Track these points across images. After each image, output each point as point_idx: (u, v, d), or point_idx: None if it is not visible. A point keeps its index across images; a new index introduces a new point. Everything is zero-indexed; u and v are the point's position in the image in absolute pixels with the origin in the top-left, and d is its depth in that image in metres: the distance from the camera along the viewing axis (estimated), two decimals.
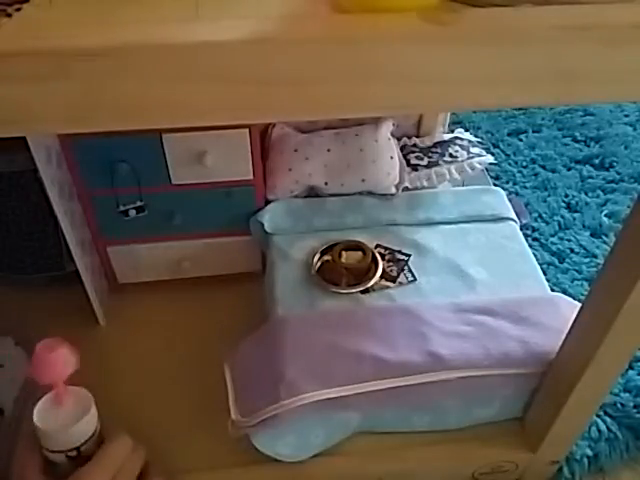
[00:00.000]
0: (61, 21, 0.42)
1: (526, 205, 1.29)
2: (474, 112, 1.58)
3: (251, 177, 0.96)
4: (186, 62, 0.39)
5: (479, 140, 1.18)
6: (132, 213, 0.95)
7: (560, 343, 0.76)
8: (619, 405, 0.94)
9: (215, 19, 0.41)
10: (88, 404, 0.72)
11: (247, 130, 0.89)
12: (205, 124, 0.42)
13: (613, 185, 1.37)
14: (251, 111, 0.42)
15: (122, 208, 0.95)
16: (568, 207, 1.32)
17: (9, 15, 0.43)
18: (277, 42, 0.39)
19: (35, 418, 0.69)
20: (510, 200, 1.08)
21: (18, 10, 0.43)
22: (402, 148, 1.11)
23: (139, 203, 0.95)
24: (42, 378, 0.68)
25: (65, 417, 0.70)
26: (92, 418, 0.73)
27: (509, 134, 1.54)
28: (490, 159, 1.11)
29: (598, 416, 0.93)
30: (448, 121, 1.20)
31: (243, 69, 0.40)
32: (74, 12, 0.44)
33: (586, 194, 1.35)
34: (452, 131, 1.19)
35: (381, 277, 0.91)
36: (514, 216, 1.04)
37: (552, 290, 0.95)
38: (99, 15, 0.43)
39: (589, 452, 0.90)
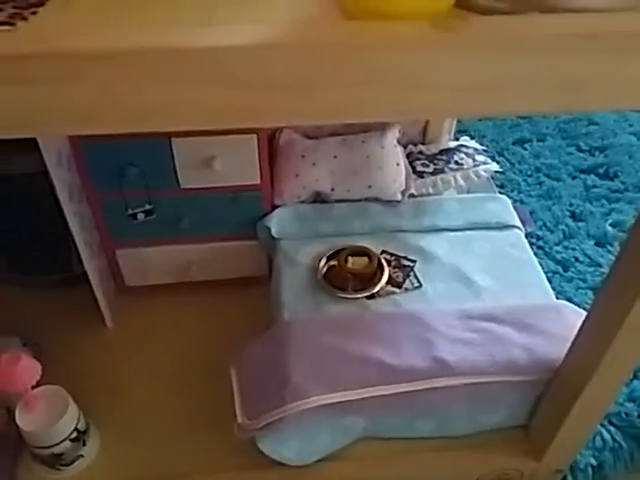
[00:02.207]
0: (75, 24, 0.43)
1: (531, 214, 1.30)
2: (479, 120, 1.59)
3: (258, 182, 0.96)
4: (198, 66, 0.40)
5: (484, 148, 1.19)
6: (141, 216, 0.96)
7: (565, 351, 0.76)
8: (624, 415, 0.94)
9: (227, 24, 0.42)
10: (64, 403, 0.80)
11: (255, 135, 0.90)
12: (216, 127, 0.43)
13: (618, 194, 1.38)
14: (262, 115, 0.43)
15: (131, 211, 0.95)
16: (573, 216, 1.32)
17: (24, 18, 0.43)
18: (288, 47, 0.40)
19: (17, 420, 0.77)
20: (515, 208, 1.08)
21: (34, 14, 0.44)
22: (408, 155, 1.11)
23: (148, 206, 0.96)
24: (9, 389, 0.75)
25: (42, 419, 0.78)
26: (70, 415, 0.79)
27: (514, 143, 1.54)
28: (495, 167, 1.12)
29: (602, 425, 0.92)
30: (454, 129, 1.21)
31: (254, 73, 0.40)
32: (87, 16, 0.44)
33: (591, 203, 1.35)
34: (457, 139, 1.20)
35: (387, 283, 0.92)
36: (519, 224, 1.04)
37: (556, 299, 0.95)
38: (112, 19, 0.44)
39: (593, 461, 0.89)
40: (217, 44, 0.39)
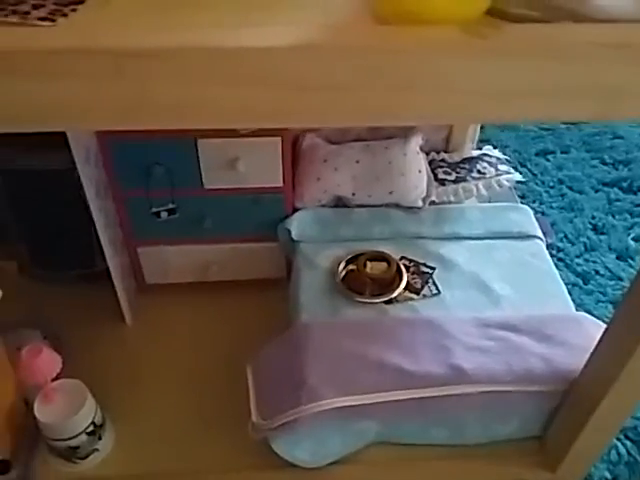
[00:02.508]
0: (113, 22, 0.44)
1: (552, 225, 1.29)
2: (502, 131, 1.58)
3: (281, 185, 0.97)
4: (234, 66, 0.41)
5: (507, 158, 1.19)
6: (164, 215, 0.97)
7: (584, 362, 0.76)
8: None
9: (262, 25, 0.42)
10: (83, 396, 0.81)
11: (279, 138, 0.91)
12: (249, 126, 0.44)
13: None
14: (293, 115, 0.44)
15: (154, 210, 0.97)
16: (594, 229, 1.32)
17: (65, 15, 0.45)
18: (320, 49, 0.41)
19: (36, 412, 0.78)
20: (536, 219, 1.07)
21: (74, 10, 0.45)
22: (430, 162, 1.11)
23: (171, 205, 0.97)
24: (30, 380, 0.76)
25: (60, 411, 0.79)
26: (88, 409, 0.80)
27: (537, 154, 1.54)
28: (518, 177, 1.11)
29: (618, 439, 0.92)
30: (477, 138, 1.21)
31: (287, 74, 0.41)
32: (125, 15, 0.45)
33: (613, 217, 1.34)
34: (480, 148, 1.20)
35: (405, 289, 0.92)
36: (541, 234, 1.04)
37: (576, 311, 0.94)
38: (149, 18, 0.45)
39: (608, 475, 0.89)
40: (252, 45, 0.40)
